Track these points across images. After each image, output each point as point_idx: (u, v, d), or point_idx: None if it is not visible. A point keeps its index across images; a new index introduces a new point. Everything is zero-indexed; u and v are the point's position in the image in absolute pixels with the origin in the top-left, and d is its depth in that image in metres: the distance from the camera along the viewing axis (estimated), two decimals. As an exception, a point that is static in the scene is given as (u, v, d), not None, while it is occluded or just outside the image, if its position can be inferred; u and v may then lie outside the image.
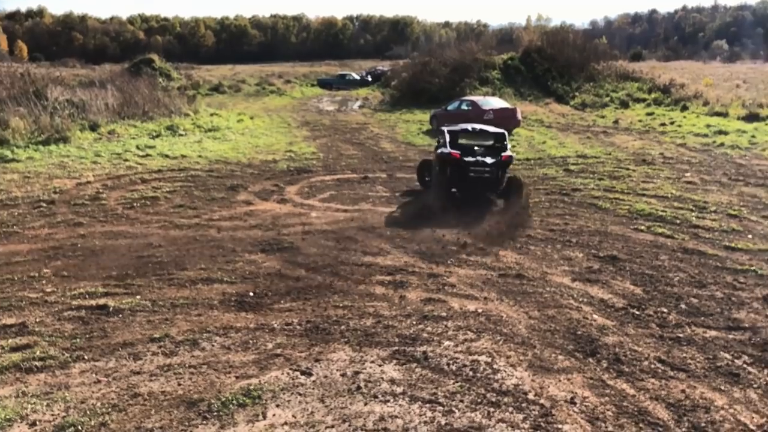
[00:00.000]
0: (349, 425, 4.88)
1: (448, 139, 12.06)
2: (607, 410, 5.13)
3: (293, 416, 5.01)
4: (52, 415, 5.06)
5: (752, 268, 8.53)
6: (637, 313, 7.15)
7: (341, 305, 7.34)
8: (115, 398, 5.31)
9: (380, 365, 5.88)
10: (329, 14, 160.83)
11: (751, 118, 24.20)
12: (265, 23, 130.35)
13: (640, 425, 4.92)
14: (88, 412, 5.07)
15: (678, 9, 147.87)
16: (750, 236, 10.02)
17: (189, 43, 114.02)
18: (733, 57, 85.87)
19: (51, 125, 19.99)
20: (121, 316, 7.04)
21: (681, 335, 6.57)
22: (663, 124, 24.95)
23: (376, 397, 5.31)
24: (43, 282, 8.15)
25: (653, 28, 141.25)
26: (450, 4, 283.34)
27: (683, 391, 5.45)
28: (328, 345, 6.32)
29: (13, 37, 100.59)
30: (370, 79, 55.18)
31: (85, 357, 6.08)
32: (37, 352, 6.09)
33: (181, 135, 22.19)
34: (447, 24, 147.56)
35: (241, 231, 10.61)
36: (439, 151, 12.35)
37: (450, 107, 25.39)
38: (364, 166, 16.94)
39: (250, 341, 6.41)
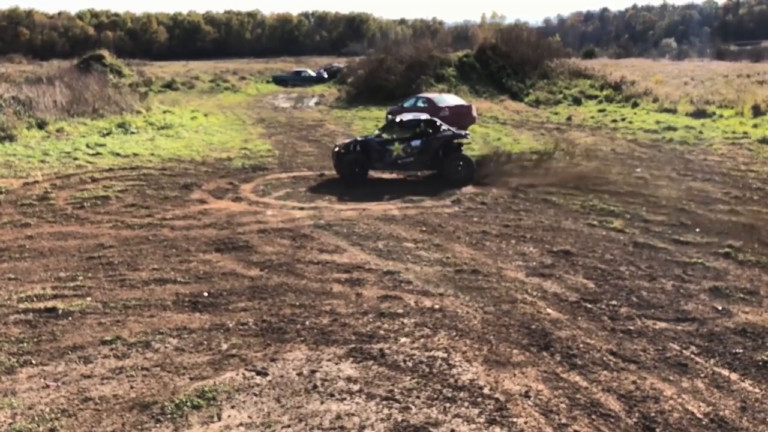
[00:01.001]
0: (306, 424, 4.86)
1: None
2: (561, 403, 5.21)
3: (249, 417, 4.96)
4: (-2, 422, 4.91)
5: (700, 260, 8.76)
6: (590, 306, 7.28)
7: (297, 304, 7.29)
8: (64, 403, 5.18)
9: (337, 363, 5.86)
10: (284, 10, 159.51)
11: (699, 114, 24.86)
12: (219, 19, 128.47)
13: (593, 417, 5.01)
14: (36, 418, 4.93)
15: (629, 7, 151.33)
16: (698, 230, 10.29)
17: (141, 39, 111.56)
18: (681, 55, 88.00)
19: (-4, 123, 19.38)
20: (70, 318, 6.87)
21: (632, 327, 6.71)
22: (614, 121, 25.49)
23: (332, 395, 5.29)
24: (-11, 285, 7.89)
25: (605, 26, 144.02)
26: (406, 1, 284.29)
27: (634, 382, 5.56)
28: (284, 344, 6.27)
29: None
30: (326, 76, 54.99)
31: (33, 361, 5.91)
32: (-18, 358, 5.90)
33: (132, 133, 21.78)
34: (403, 21, 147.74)
35: (195, 230, 10.46)
36: None
37: (406, 104, 25.44)
38: (320, 164, 16.85)
39: (205, 342, 6.33)
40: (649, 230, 10.35)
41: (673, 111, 26.45)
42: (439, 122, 14.89)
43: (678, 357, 6.04)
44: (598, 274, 8.36)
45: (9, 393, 5.34)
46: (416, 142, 14.46)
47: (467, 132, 15.69)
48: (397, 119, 15.45)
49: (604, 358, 6.01)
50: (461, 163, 14.34)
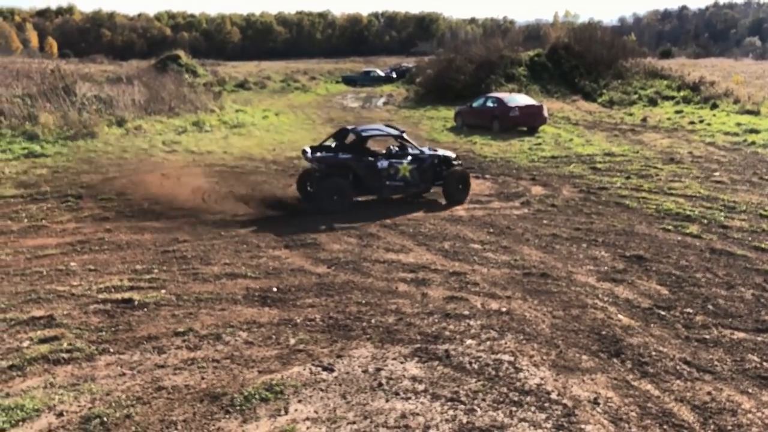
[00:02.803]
0: (371, 422, 4.88)
1: None
2: (631, 411, 5.07)
3: (315, 412, 5.02)
4: (79, 406, 5.13)
5: (782, 269, 8.37)
6: (663, 313, 7.05)
7: (363, 302, 7.34)
8: (139, 391, 5.37)
9: (402, 362, 5.87)
10: (355, 11, 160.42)
11: (784, 116, 23.72)
12: (291, 20, 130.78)
13: (665, 427, 4.85)
14: (113, 404, 5.13)
15: (709, 5, 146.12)
16: (780, 237, 9.82)
17: (215, 40, 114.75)
18: (765, 54, 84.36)
19: (79, 121, 20.25)
20: (146, 309, 7.11)
21: (708, 337, 6.46)
22: (692, 123, 24.57)
23: (397, 394, 5.30)
24: (71, 275, 8.26)
25: (683, 25, 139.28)
26: (476, 0, 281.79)
27: (709, 393, 5.36)
28: (349, 341, 6.32)
29: (43, 34, 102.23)
30: (394, 75, 55.11)
31: (111, 350, 6.15)
32: (65, 344, 6.18)
33: (206, 131, 22.36)
34: (473, 20, 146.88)
35: (265, 227, 10.66)
36: None
37: (475, 104, 25.25)
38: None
39: (273, 336, 6.44)
40: (728, 236, 9.95)
41: (756, 113, 25.31)
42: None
43: (758, 369, 5.78)
44: (672, 280, 8.09)
45: (89, 379, 5.57)
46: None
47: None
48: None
49: (678, 367, 5.81)
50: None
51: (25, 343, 6.24)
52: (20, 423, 4.89)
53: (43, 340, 6.29)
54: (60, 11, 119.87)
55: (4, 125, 19.23)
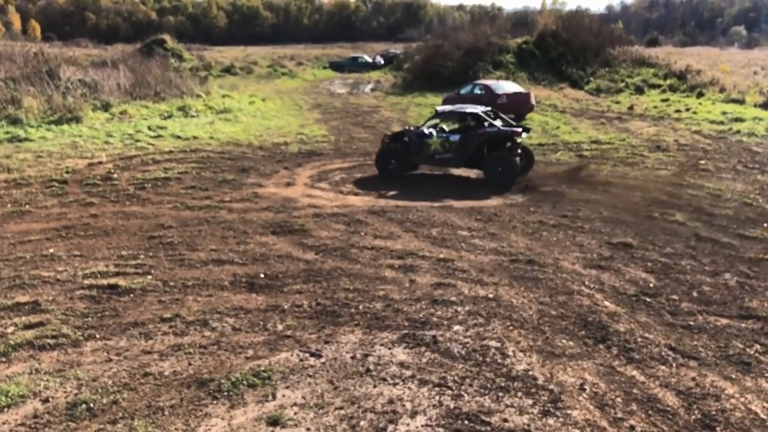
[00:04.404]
0: (358, 407, 4.89)
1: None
2: (617, 397, 5.11)
3: (303, 397, 5.03)
4: (65, 392, 5.10)
5: (767, 257, 8.45)
6: (649, 300, 7.10)
7: (351, 288, 7.34)
8: (126, 377, 5.34)
9: (390, 348, 5.88)
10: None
11: (769, 105, 23.88)
12: (278, 5, 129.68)
13: (650, 412, 4.90)
14: (100, 390, 5.11)
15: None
16: (765, 225, 9.92)
17: (201, 24, 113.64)
18: (751, 43, 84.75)
19: (63, 105, 20.04)
20: (132, 295, 7.07)
21: (693, 323, 6.52)
22: (678, 111, 24.69)
23: (385, 379, 5.31)
24: (56, 261, 8.20)
25: (670, 13, 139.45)
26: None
27: (694, 378, 5.42)
28: (337, 327, 6.32)
29: (26, 17, 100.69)
30: (382, 62, 54.88)
31: (97, 336, 6.11)
32: (50, 330, 6.13)
33: (192, 116, 22.21)
34: (461, 7, 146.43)
35: (252, 213, 10.62)
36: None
37: (463, 91, 25.20)
38: (375, 150, 16.85)
39: (261, 322, 6.43)
40: (713, 224, 10.03)
41: (741, 102, 25.48)
42: (483, 117, 13.40)
43: (741, 355, 5.84)
44: (658, 267, 8.14)
45: (75, 365, 5.54)
46: (455, 137, 13.36)
47: (523, 127, 13.78)
48: (439, 110, 14.58)
49: (663, 353, 5.86)
50: (501, 164, 12.81)
51: (10, 329, 6.19)
52: (5, 409, 4.85)
53: (28, 326, 6.24)
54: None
55: (-14, 109, 18.97)
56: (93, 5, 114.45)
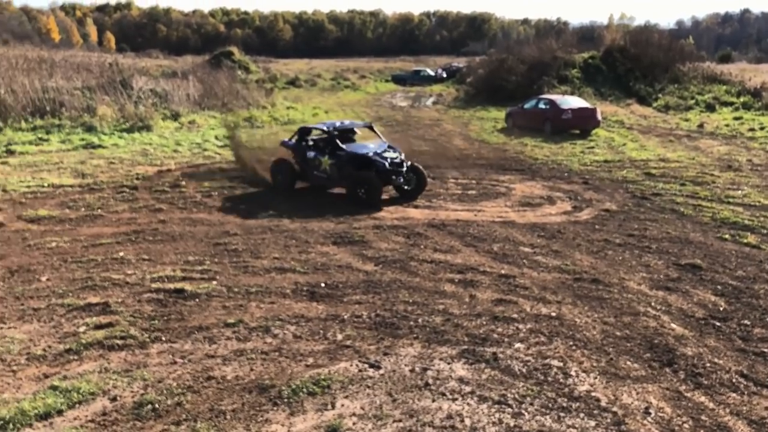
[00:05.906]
0: (417, 420, 4.87)
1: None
2: (684, 423, 4.94)
3: (361, 408, 5.04)
4: (132, 392, 5.25)
5: None
6: (719, 324, 6.85)
7: (411, 301, 7.33)
8: (190, 380, 5.47)
9: (449, 363, 5.83)
10: (406, 10, 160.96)
11: None
12: (342, 18, 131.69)
13: (720, 441, 4.71)
14: (165, 392, 5.24)
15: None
16: None
17: (267, 37, 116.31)
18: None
19: (135, 114, 20.81)
20: (197, 300, 7.24)
21: (766, 350, 6.25)
22: (752, 129, 23.80)
23: (444, 394, 5.27)
24: (125, 264, 8.48)
25: (744, 29, 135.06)
26: (529, 1, 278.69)
27: (767, 408, 5.19)
28: (396, 339, 6.32)
29: (102, 29, 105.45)
30: (444, 75, 54.92)
31: (163, 338, 6.28)
32: (119, 331, 6.34)
33: (258, 127, 22.68)
34: (526, 21, 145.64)
35: (313, 222, 10.74)
36: None
37: (527, 105, 24.97)
38: (436, 163, 16.85)
39: (321, 331, 6.49)
40: (789, 248, 9.61)
41: (820, 121, 24.39)
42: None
43: (819, 386, 5.57)
44: (729, 291, 7.85)
45: (142, 366, 5.71)
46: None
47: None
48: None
49: (734, 380, 5.64)
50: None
51: (82, 329, 6.43)
52: (77, 405, 5.04)
53: (99, 326, 6.47)
54: (118, 6, 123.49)
55: (64, 116, 19.86)
56: (164, 17, 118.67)
